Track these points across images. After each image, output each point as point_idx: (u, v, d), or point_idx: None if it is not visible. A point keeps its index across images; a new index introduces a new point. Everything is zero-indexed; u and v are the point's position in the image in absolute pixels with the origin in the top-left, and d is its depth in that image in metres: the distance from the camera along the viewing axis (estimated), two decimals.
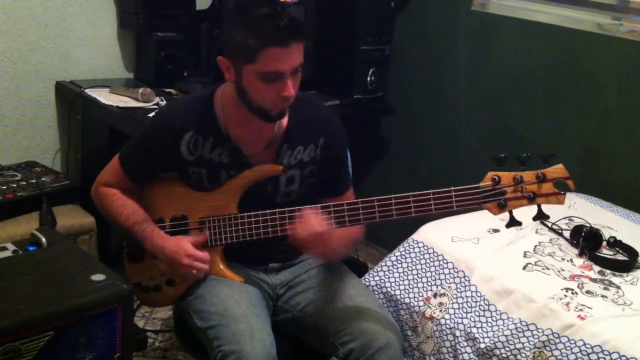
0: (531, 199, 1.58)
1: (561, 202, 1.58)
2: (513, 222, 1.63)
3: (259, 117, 1.74)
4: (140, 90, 2.68)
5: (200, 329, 1.76)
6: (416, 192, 1.62)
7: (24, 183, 2.59)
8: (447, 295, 1.98)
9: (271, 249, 1.89)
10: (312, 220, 1.67)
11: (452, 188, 1.61)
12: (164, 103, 2.68)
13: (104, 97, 2.72)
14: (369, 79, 3.16)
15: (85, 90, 2.78)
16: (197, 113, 1.82)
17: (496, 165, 1.59)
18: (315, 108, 1.91)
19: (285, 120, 1.83)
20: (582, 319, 1.74)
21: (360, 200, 1.69)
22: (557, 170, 1.56)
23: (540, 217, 1.61)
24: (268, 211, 1.77)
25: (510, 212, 1.62)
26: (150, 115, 2.54)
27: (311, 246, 1.70)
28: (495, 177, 1.59)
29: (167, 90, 2.87)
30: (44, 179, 2.66)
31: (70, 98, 2.85)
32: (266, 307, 1.84)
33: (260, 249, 1.85)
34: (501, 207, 1.60)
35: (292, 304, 1.89)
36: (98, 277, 1.67)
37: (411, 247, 2.14)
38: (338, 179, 1.92)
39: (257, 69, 1.63)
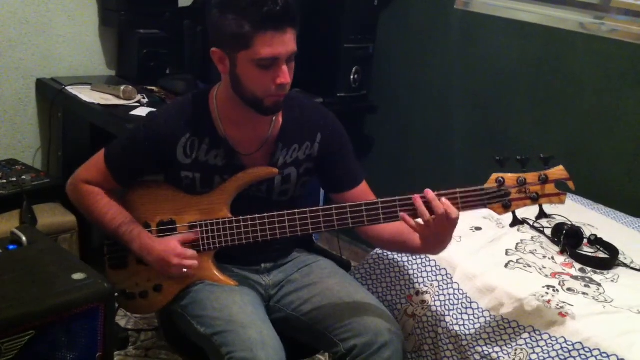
0: (534, 199, 1.64)
1: (562, 202, 1.65)
2: (516, 222, 1.70)
3: (253, 109, 1.71)
4: (122, 88, 2.66)
5: (202, 335, 1.74)
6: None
7: (4, 181, 2.57)
8: (430, 293, 1.99)
9: (263, 250, 1.87)
10: (451, 206, 1.61)
11: (458, 190, 1.64)
12: (146, 100, 2.66)
13: (86, 94, 2.70)
14: (352, 77, 3.16)
15: (67, 88, 2.76)
16: (192, 115, 1.79)
17: (498, 166, 1.65)
18: (309, 106, 1.90)
19: (280, 120, 1.82)
20: (564, 316, 1.75)
21: (364, 202, 1.70)
22: (558, 171, 1.63)
23: (542, 216, 1.69)
24: (265, 214, 1.74)
25: (514, 212, 1.67)
26: (134, 112, 2.53)
27: (445, 233, 1.65)
28: (499, 178, 1.65)
29: (149, 87, 2.85)
30: (24, 177, 2.63)
31: (51, 95, 2.83)
32: (265, 310, 1.84)
33: (253, 250, 1.83)
34: (505, 208, 1.65)
35: (285, 303, 1.89)
36: (79, 276, 1.65)
37: None
38: (345, 173, 1.89)
39: (253, 55, 1.61)
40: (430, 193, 1.62)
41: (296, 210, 1.73)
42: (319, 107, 1.92)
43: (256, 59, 1.61)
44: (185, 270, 1.78)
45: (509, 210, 1.66)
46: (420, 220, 1.64)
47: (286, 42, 1.61)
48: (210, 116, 1.79)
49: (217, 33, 1.67)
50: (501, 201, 1.65)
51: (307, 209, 1.73)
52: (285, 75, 1.64)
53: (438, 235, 1.66)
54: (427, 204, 1.62)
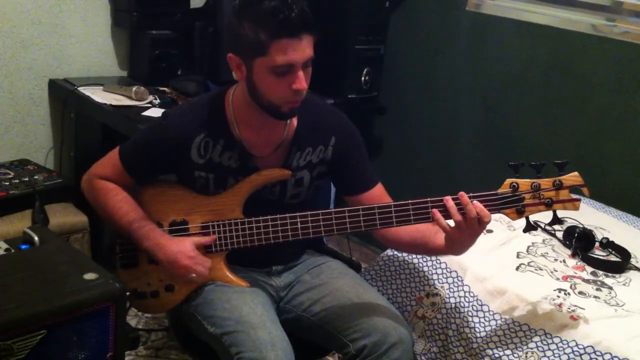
0: (549, 205, 1.64)
1: (577, 208, 1.65)
2: (530, 227, 1.69)
3: (270, 114, 1.72)
4: (134, 89, 2.67)
5: (212, 335, 1.75)
6: (434, 198, 1.65)
7: (17, 181, 2.58)
8: (440, 295, 1.98)
9: (275, 251, 1.87)
10: (484, 209, 1.62)
11: (471, 194, 1.64)
12: (157, 101, 2.67)
13: (98, 95, 2.71)
14: (363, 78, 3.16)
15: (79, 88, 2.77)
16: (207, 116, 1.79)
17: (512, 172, 1.64)
18: (323, 109, 1.89)
19: (294, 123, 1.82)
20: (575, 319, 1.74)
21: (376, 205, 1.70)
22: (572, 177, 1.63)
23: (556, 222, 1.68)
24: (278, 216, 1.75)
25: (527, 218, 1.67)
26: (146, 113, 2.54)
27: (474, 235, 1.66)
28: (513, 184, 1.64)
29: (160, 88, 2.86)
30: (36, 177, 2.65)
31: (64, 96, 2.84)
32: (275, 311, 1.84)
33: (264, 252, 1.83)
34: (519, 213, 1.65)
35: (295, 303, 1.89)
36: (90, 275, 1.65)
37: None
38: (359, 176, 1.89)
39: (269, 62, 1.61)
40: (464, 196, 1.62)
41: (308, 212, 1.73)
42: (333, 110, 1.91)
43: (272, 66, 1.61)
44: (193, 275, 1.79)
45: (522, 215, 1.65)
46: (451, 222, 1.64)
47: (302, 49, 1.61)
48: (225, 118, 1.79)
49: (234, 40, 1.67)
50: (515, 206, 1.64)
51: (320, 212, 1.73)
52: (302, 82, 1.64)
53: (467, 236, 1.65)
54: (459, 206, 1.62)
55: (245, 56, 1.66)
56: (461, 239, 1.66)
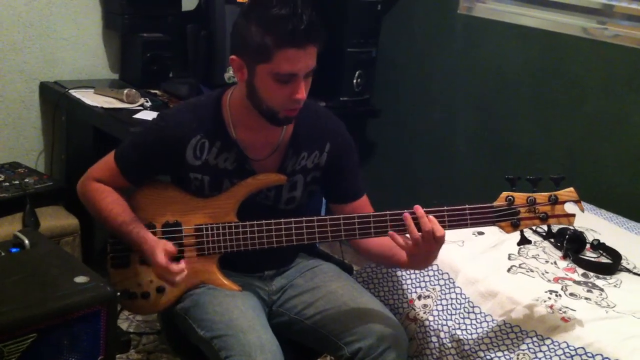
0: (544, 219, 1.67)
1: (571, 223, 1.68)
2: (524, 241, 1.71)
3: (267, 119, 1.72)
4: (126, 91, 2.67)
5: (202, 338, 1.74)
6: (430, 209, 1.65)
7: (7, 184, 2.57)
8: (432, 297, 1.98)
9: (267, 256, 1.86)
10: (437, 224, 1.63)
11: (467, 206, 1.66)
12: (149, 104, 2.67)
13: (89, 98, 2.70)
14: (355, 81, 3.16)
15: (70, 91, 2.76)
16: (204, 117, 1.79)
17: (509, 185, 1.67)
18: (320, 114, 1.90)
19: (291, 126, 1.82)
20: (566, 321, 1.74)
21: (372, 214, 1.72)
22: (568, 193, 1.66)
23: (550, 236, 1.73)
24: (272, 221, 1.75)
25: (522, 231, 1.69)
26: (137, 116, 2.53)
27: (430, 251, 1.67)
28: (509, 197, 1.67)
29: (152, 91, 2.86)
30: (27, 180, 2.64)
31: (55, 99, 2.84)
32: (266, 315, 1.84)
33: (256, 256, 1.82)
34: (514, 226, 1.68)
35: (288, 307, 1.89)
36: (81, 279, 1.65)
37: None
38: (349, 186, 1.90)
39: (272, 69, 1.62)
40: (419, 210, 1.64)
41: (303, 219, 1.74)
42: (331, 116, 1.91)
43: (275, 73, 1.62)
44: (176, 277, 1.77)
45: (517, 229, 1.68)
46: (408, 237, 1.65)
47: (306, 59, 1.63)
48: (222, 119, 1.79)
49: (239, 42, 1.67)
50: (510, 220, 1.67)
51: (315, 218, 1.73)
52: (302, 92, 1.65)
53: (424, 252, 1.66)
54: (416, 220, 1.63)
55: (248, 59, 1.66)
56: (419, 254, 1.67)
